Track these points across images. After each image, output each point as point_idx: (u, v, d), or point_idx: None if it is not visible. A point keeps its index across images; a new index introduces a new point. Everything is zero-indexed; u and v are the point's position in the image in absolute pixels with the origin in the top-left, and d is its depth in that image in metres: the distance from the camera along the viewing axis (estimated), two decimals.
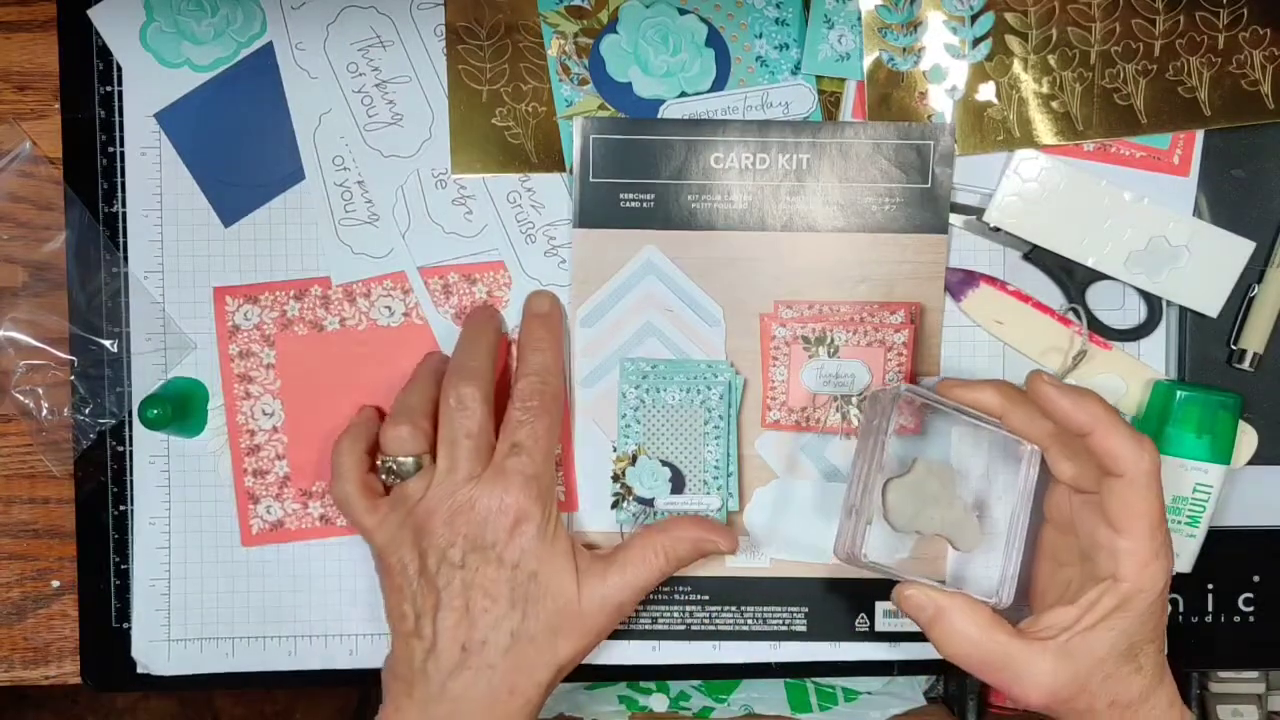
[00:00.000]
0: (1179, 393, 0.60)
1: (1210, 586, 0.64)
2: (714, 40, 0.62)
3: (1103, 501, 0.53)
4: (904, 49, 0.61)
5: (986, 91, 0.61)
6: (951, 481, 0.58)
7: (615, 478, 0.63)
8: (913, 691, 0.84)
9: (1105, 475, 0.52)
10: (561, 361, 0.59)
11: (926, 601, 0.54)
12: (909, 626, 0.61)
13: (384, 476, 0.57)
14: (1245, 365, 0.62)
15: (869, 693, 0.80)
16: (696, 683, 0.79)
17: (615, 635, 0.63)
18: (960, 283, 0.62)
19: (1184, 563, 0.61)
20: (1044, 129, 0.61)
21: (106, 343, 0.63)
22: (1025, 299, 0.62)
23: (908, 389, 0.56)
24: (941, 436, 0.61)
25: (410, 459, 0.56)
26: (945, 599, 0.54)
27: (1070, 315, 0.62)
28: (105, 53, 0.62)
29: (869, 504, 0.56)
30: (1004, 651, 0.53)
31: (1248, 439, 0.62)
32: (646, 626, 0.63)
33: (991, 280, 0.62)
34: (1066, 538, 0.56)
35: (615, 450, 0.62)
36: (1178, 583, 0.63)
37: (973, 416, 0.57)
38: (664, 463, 0.62)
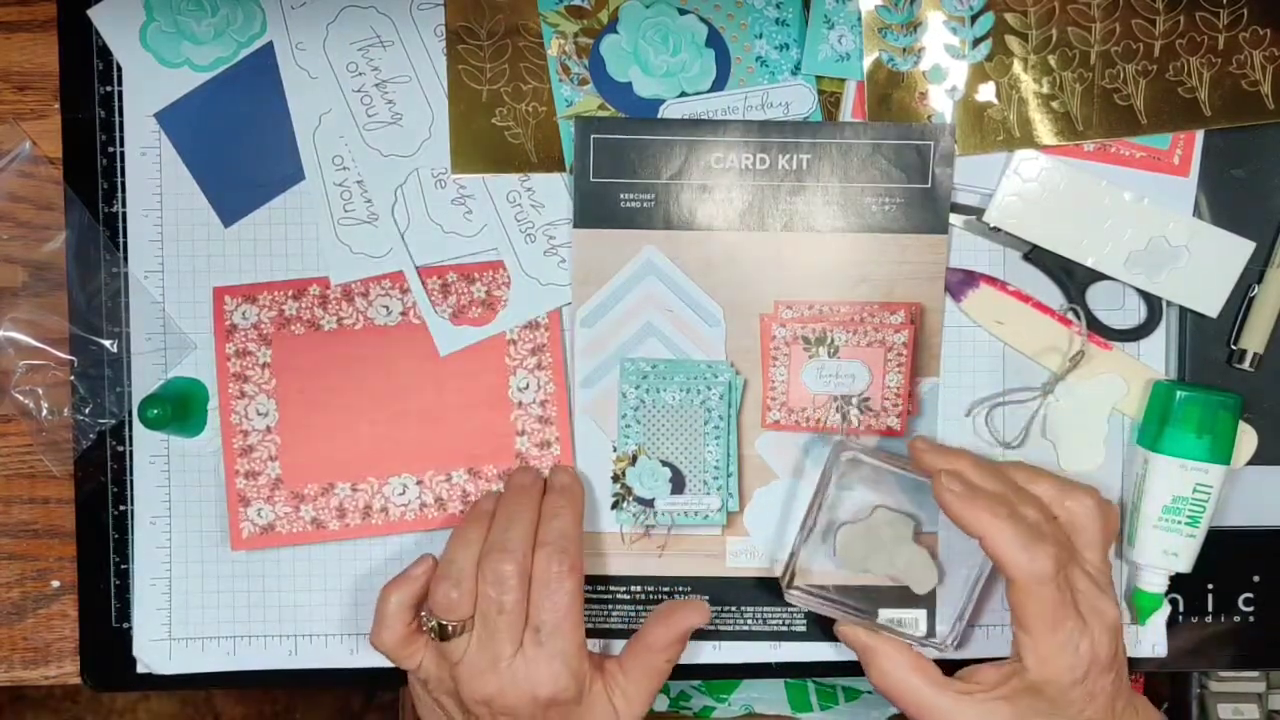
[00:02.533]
0: (1179, 393, 0.60)
1: (1210, 586, 0.64)
2: (714, 40, 0.62)
3: (1006, 593, 0.55)
4: (904, 49, 0.61)
5: (986, 92, 0.61)
6: (908, 531, 0.61)
7: (615, 478, 0.63)
8: None
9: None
10: (579, 528, 0.59)
11: (854, 640, 0.59)
12: (911, 631, 0.61)
13: (427, 630, 0.57)
14: (1245, 365, 0.62)
15: (869, 692, 0.81)
16: (697, 682, 0.79)
17: (617, 635, 0.63)
18: (960, 283, 0.62)
19: (1183, 563, 0.61)
20: (1044, 129, 0.61)
21: (106, 343, 0.63)
22: (1025, 299, 0.62)
23: (852, 449, 0.60)
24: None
25: (457, 622, 0.57)
26: (872, 640, 0.58)
27: (1070, 315, 0.62)
28: (105, 53, 0.62)
29: (806, 543, 0.60)
30: (919, 697, 0.56)
31: (1248, 439, 0.62)
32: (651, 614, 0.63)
33: (991, 280, 0.62)
34: None
35: (615, 450, 0.63)
36: (1178, 583, 0.63)
37: (918, 474, 0.59)
38: (664, 463, 0.62)
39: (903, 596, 0.61)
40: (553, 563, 0.56)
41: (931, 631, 0.61)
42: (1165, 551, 0.61)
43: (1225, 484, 0.60)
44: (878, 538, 0.61)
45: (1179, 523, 0.60)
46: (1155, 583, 0.61)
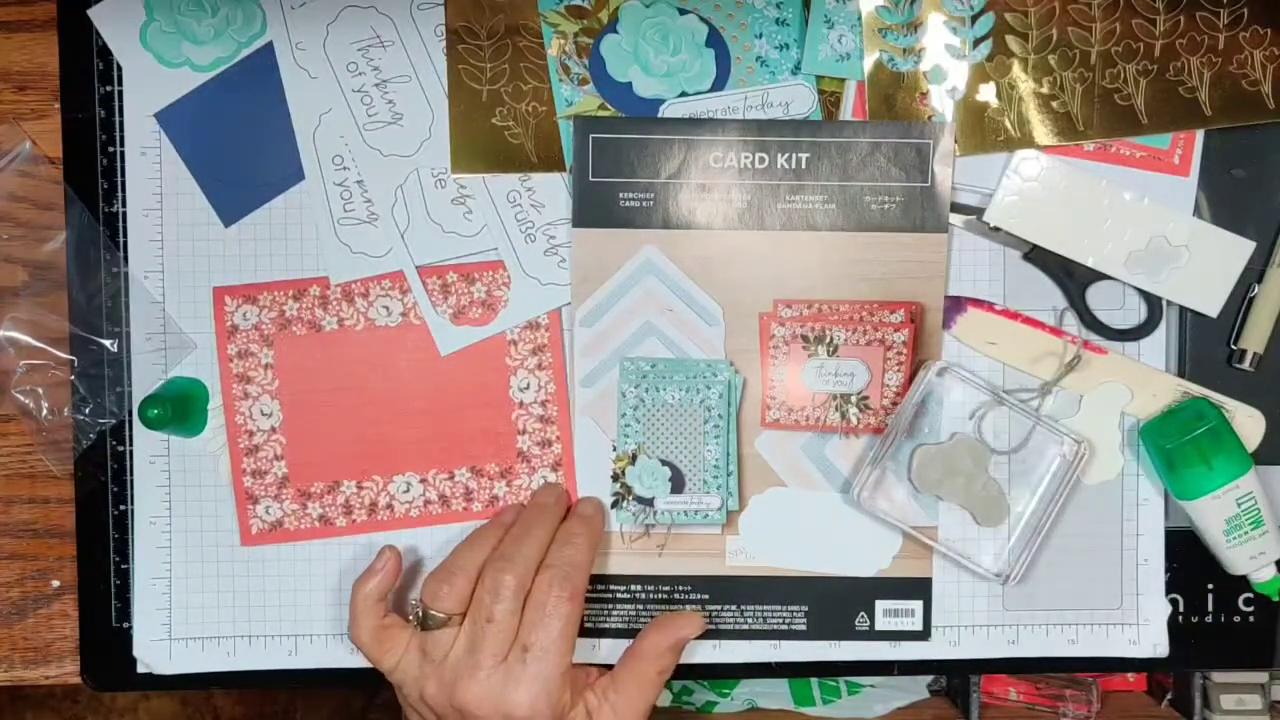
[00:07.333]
0: (1166, 445, 0.60)
1: (1210, 586, 0.64)
2: (714, 40, 0.61)
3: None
4: (904, 50, 0.61)
5: (987, 92, 0.61)
6: (986, 460, 0.62)
7: (615, 477, 0.63)
8: (915, 684, 0.84)
9: None
10: (591, 559, 0.59)
11: None
12: (909, 625, 0.61)
13: (413, 620, 0.58)
14: (1245, 365, 0.62)
15: (872, 686, 0.81)
16: None
17: (617, 635, 0.63)
18: (948, 310, 0.62)
19: (1273, 552, 0.61)
20: (1044, 129, 0.61)
21: (106, 343, 0.63)
22: (1014, 316, 0.62)
23: (947, 365, 0.61)
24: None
25: (442, 614, 0.57)
26: None
27: (1065, 317, 0.62)
28: (105, 53, 0.62)
29: (884, 457, 0.61)
30: None
31: (1253, 424, 0.62)
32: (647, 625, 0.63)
33: (978, 303, 0.62)
34: None
35: (615, 450, 0.63)
36: (1178, 582, 0.63)
37: (1012, 403, 0.60)
38: (664, 462, 0.62)
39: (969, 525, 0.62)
40: (554, 587, 0.57)
41: (994, 564, 0.62)
42: (1251, 557, 0.61)
43: (1262, 479, 0.60)
44: (956, 462, 0.61)
45: (1245, 533, 0.61)
46: (1264, 575, 0.62)
